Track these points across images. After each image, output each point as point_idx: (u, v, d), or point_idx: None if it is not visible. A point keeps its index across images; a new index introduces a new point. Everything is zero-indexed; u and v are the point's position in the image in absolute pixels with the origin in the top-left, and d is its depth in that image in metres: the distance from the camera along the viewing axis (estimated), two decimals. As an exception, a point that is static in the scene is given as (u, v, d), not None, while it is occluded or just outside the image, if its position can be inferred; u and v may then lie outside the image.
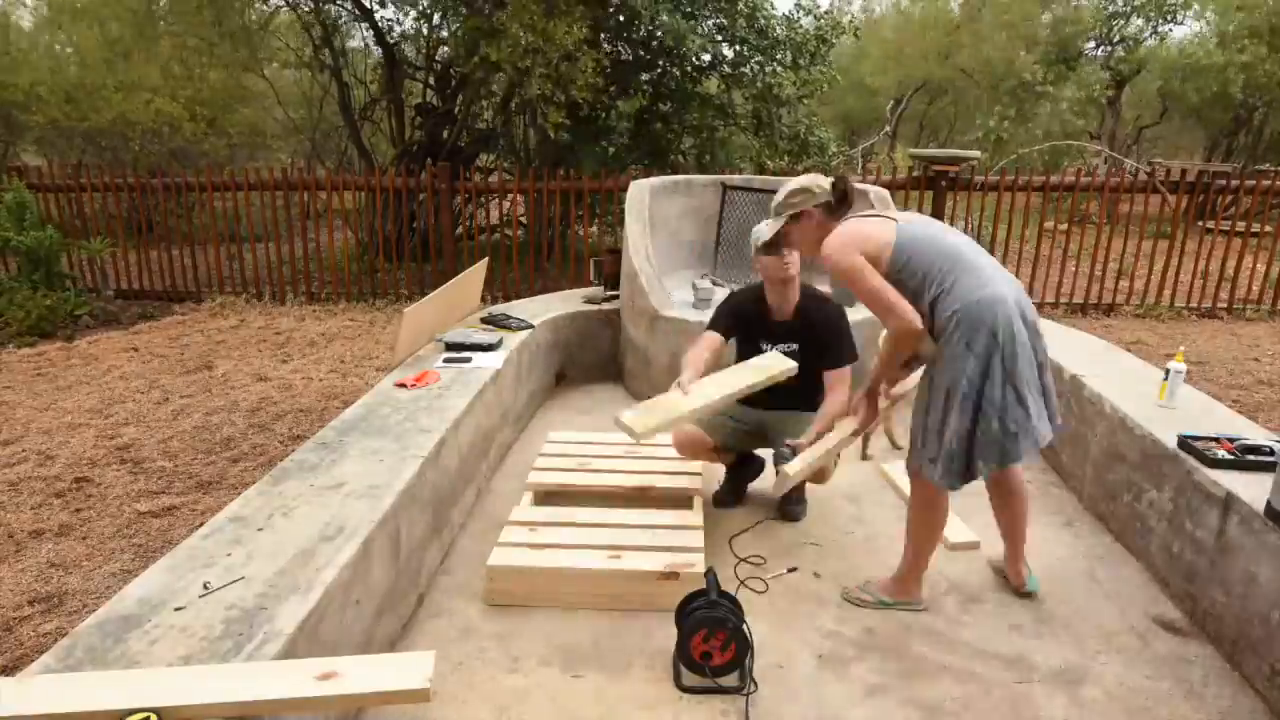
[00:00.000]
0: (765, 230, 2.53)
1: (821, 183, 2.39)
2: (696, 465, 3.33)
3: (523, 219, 7.89)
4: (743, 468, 3.31)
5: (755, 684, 2.20)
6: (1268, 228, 7.92)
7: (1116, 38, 15.66)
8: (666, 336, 4.22)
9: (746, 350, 3.10)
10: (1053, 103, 13.11)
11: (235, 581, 1.90)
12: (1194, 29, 15.71)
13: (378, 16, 9.12)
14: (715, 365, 2.94)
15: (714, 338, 3.02)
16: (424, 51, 9.32)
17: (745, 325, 3.07)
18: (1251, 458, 2.52)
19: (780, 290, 2.96)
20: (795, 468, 2.46)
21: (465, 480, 3.16)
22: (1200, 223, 8.13)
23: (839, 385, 2.93)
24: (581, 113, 7.85)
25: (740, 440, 3.16)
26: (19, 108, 9.52)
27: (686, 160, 9.30)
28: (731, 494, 3.30)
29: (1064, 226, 7.71)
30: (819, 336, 2.96)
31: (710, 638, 2.14)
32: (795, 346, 2.99)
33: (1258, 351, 5.97)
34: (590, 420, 4.26)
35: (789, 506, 3.17)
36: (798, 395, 2.99)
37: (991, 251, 6.95)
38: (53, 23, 11.21)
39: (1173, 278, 7.06)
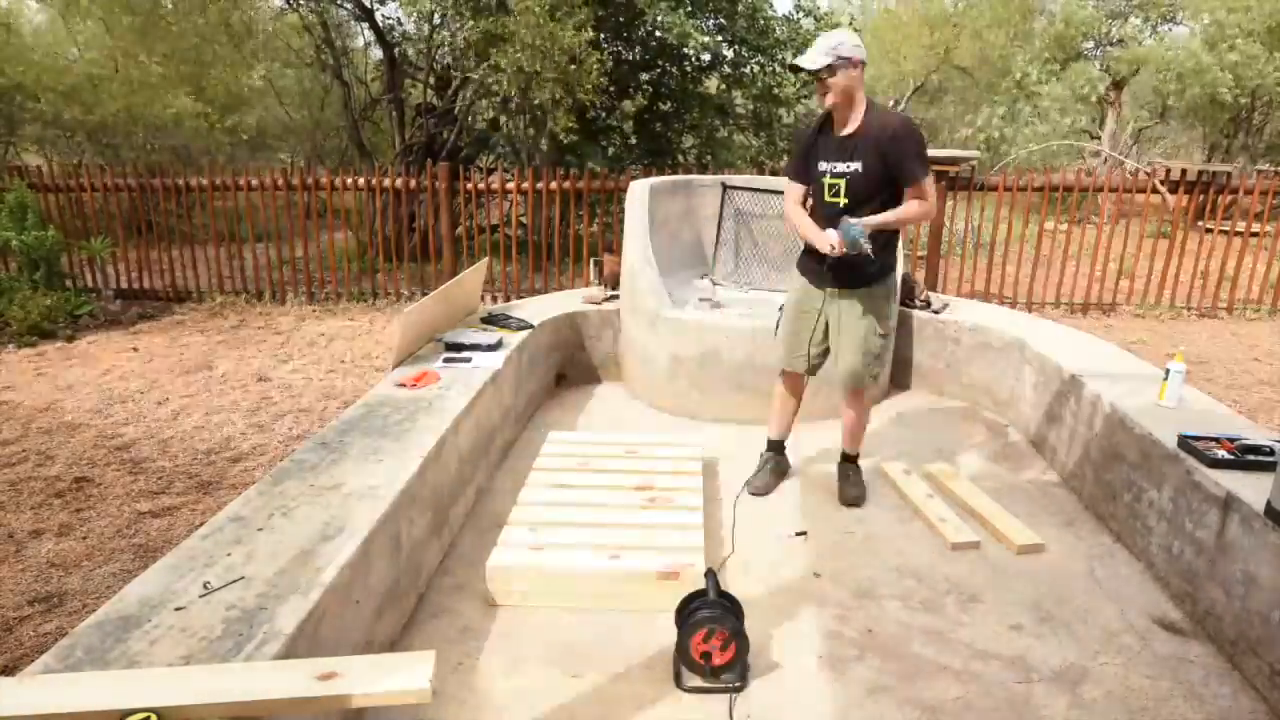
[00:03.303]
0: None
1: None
2: (696, 465, 3.33)
3: (523, 219, 7.89)
4: (782, 455, 3.51)
5: (752, 682, 2.21)
6: (1268, 228, 7.92)
7: (1115, 38, 15.65)
8: (666, 336, 4.22)
9: (806, 178, 3.00)
10: (1036, 102, 13.09)
11: (235, 581, 1.90)
12: (1189, 29, 15.68)
13: (378, 16, 9.12)
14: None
15: (797, 189, 3.05)
16: (425, 52, 9.32)
17: (805, 153, 2.98)
18: (1251, 458, 2.53)
19: (840, 108, 2.83)
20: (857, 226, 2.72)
21: (465, 480, 3.16)
22: (1200, 223, 8.13)
23: (913, 199, 2.80)
24: (588, 114, 7.85)
25: (818, 344, 3.17)
26: (24, 93, 9.47)
27: (687, 160, 9.30)
28: (775, 476, 3.46)
29: (1064, 227, 7.71)
30: (883, 152, 2.75)
31: (710, 638, 2.14)
32: (857, 166, 2.79)
33: (1258, 351, 5.97)
34: (590, 420, 4.26)
35: (849, 489, 3.31)
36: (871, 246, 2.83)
37: (991, 251, 6.99)
38: (57, 18, 11.20)
39: (1173, 278, 7.06)
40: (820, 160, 2.92)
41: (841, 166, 2.85)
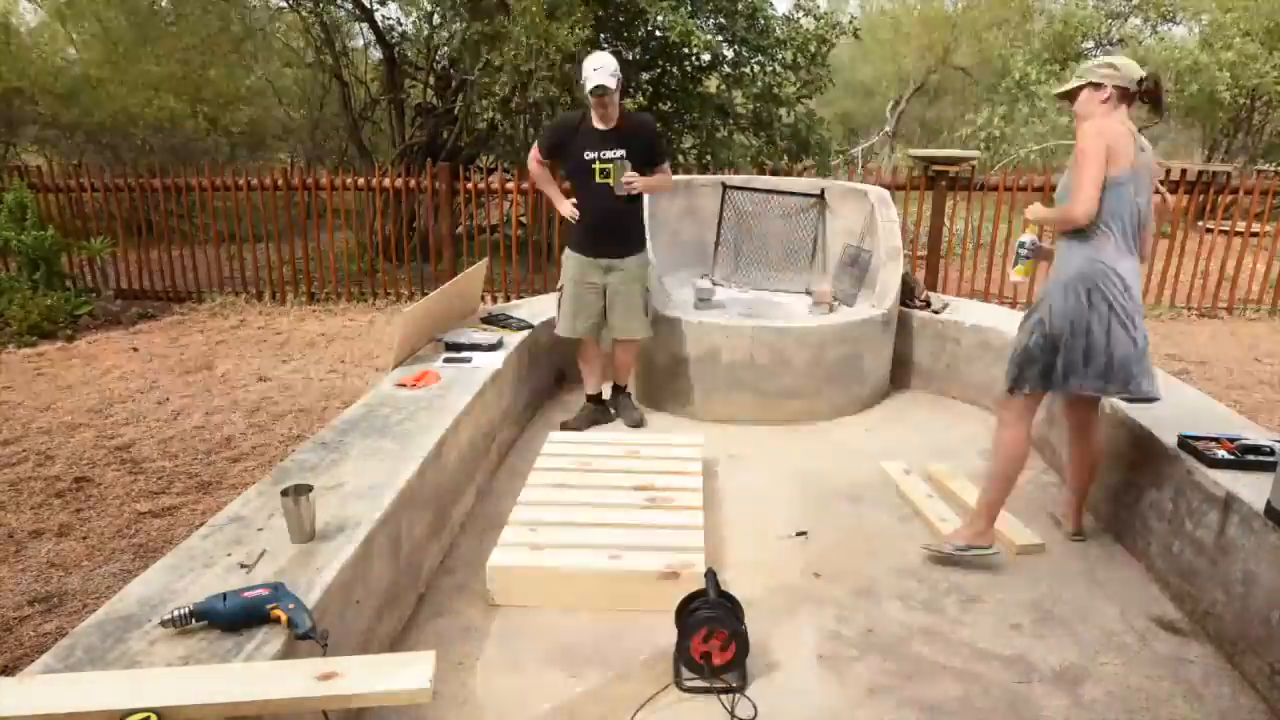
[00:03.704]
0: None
1: (1132, 71, 2.59)
2: (696, 465, 3.33)
3: (523, 219, 7.89)
4: (601, 405, 4.14)
5: (752, 682, 2.21)
6: (1268, 228, 7.92)
7: (1115, 38, 15.64)
8: (666, 336, 4.22)
9: (574, 163, 3.66)
10: (1035, 102, 13.07)
11: (262, 555, 1.97)
12: (1187, 30, 15.69)
13: (378, 16, 9.12)
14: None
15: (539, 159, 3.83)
16: (425, 52, 9.32)
17: (566, 142, 3.68)
18: (1251, 458, 2.53)
19: (601, 111, 3.57)
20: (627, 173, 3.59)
21: (465, 480, 3.16)
22: (1200, 223, 8.13)
23: (663, 173, 3.83)
24: None
25: (598, 313, 3.88)
26: (21, 96, 9.46)
27: (687, 160, 9.30)
28: (585, 424, 4.05)
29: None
30: (642, 140, 3.67)
31: (710, 638, 2.14)
32: (621, 152, 3.59)
33: (1258, 351, 5.97)
34: (590, 420, 4.25)
35: (626, 412, 4.11)
36: (630, 226, 3.83)
37: (991, 252, 6.99)
38: (55, 19, 11.19)
39: (1173, 278, 7.06)
40: None
41: (609, 153, 3.66)
